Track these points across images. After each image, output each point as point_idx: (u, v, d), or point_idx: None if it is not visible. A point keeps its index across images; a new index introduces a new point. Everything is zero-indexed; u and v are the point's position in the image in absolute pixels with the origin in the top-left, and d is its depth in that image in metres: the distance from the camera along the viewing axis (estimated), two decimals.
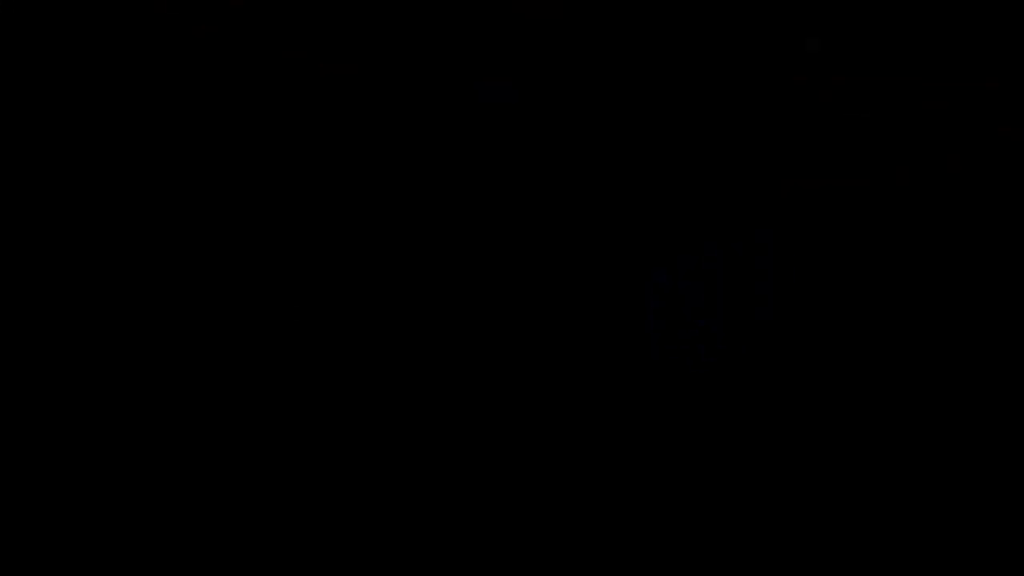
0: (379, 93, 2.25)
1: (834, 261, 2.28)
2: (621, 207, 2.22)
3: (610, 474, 2.13)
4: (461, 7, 2.24)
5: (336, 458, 2.14)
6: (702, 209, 2.26)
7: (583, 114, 2.23)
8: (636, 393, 2.16)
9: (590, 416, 2.15)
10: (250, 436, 2.16)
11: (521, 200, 2.19)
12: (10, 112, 2.26)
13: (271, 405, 2.17)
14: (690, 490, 2.13)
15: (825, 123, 2.44)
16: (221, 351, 2.18)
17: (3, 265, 2.21)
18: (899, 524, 2.11)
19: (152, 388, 2.18)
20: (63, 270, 2.22)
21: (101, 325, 2.21)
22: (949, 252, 2.28)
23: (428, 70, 2.23)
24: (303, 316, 2.19)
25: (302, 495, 2.13)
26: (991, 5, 2.39)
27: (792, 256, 2.27)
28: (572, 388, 2.16)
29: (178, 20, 2.26)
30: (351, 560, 2.09)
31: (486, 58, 2.23)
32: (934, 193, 2.31)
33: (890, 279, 2.27)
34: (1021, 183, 2.31)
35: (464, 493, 2.10)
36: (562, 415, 2.15)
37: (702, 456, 2.15)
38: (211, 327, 2.19)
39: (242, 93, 2.27)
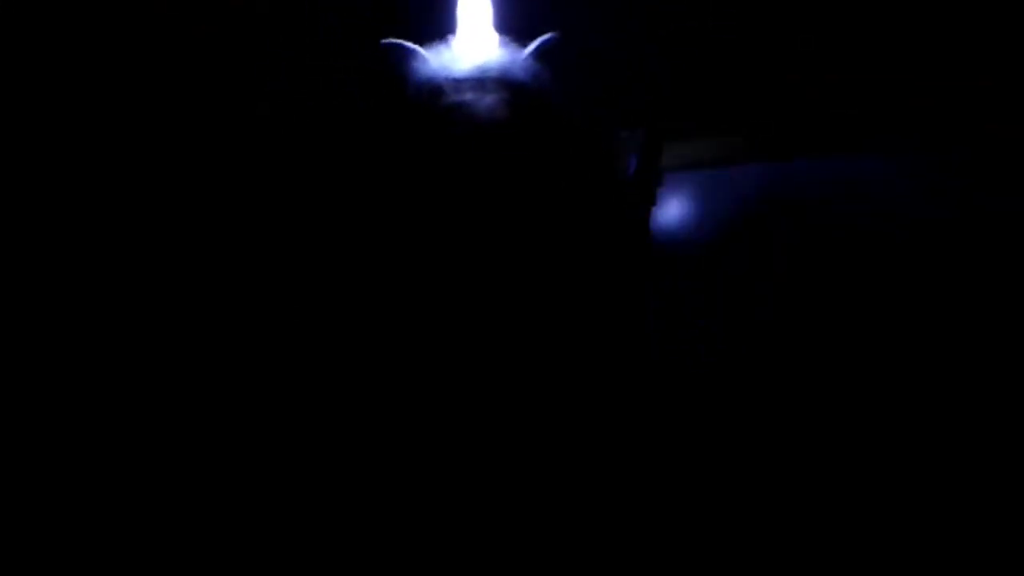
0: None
1: (834, 261, 2.29)
2: (620, 206, 2.22)
3: (609, 475, 2.13)
4: None
5: (335, 457, 2.13)
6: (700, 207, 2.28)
7: (580, 113, 2.24)
8: (636, 393, 2.16)
9: (589, 416, 2.16)
10: (249, 436, 2.15)
11: (520, 199, 2.19)
12: (8, 112, 2.24)
13: (270, 404, 2.16)
14: (690, 491, 2.14)
15: (818, 120, 2.46)
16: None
17: (3, 265, 2.20)
18: (901, 525, 2.13)
19: (151, 387, 2.17)
20: (63, 270, 2.21)
21: (101, 322, 2.19)
22: (948, 252, 2.30)
23: None
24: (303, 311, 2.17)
25: (302, 495, 2.12)
26: (985, 2, 2.40)
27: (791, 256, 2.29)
28: (571, 387, 2.16)
29: (178, 20, 2.25)
30: (351, 560, 2.08)
31: None
32: None
33: (890, 279, 2.29)
34: (1013, 182, 2.33)
35: (461, 493, 2.10)
36: (561, 415, 2.15)
37: (702, 457, 2.16)
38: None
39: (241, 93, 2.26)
